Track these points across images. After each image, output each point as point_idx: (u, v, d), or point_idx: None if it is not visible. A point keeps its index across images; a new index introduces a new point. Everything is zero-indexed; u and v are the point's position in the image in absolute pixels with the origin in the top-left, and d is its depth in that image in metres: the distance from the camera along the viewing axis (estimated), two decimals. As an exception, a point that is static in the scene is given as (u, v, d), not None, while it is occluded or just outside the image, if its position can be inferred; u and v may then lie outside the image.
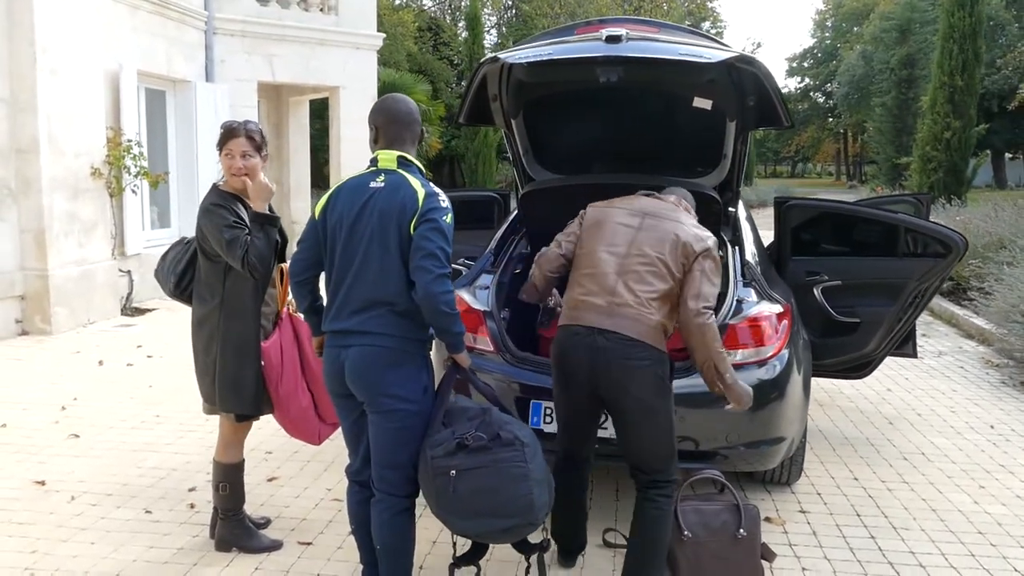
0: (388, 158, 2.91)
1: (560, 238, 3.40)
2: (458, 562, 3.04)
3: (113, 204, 9.00)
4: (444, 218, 2.78)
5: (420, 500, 2.92)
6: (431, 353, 3.02)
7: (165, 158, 10.60)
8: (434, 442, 2.78)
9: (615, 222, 3.25)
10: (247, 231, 3.28)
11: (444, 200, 2.83)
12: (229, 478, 3.53)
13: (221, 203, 3.35)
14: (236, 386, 3.38)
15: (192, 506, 4.01)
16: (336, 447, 4.78)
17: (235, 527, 3.55)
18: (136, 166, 8.98)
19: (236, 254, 3.23)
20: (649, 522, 3.11)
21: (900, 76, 30.90)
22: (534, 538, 3.02)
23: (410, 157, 2.93)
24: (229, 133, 3.40)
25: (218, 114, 10.95)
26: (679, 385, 3.59)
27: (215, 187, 3.47)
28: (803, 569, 3.49)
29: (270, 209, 3.44)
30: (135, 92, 9.57)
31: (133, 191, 9.14)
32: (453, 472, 2.70)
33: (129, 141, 9.00)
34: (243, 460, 3.60)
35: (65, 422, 5.28)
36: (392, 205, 2.79)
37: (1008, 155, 37.08)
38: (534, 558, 3.04)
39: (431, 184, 2.88)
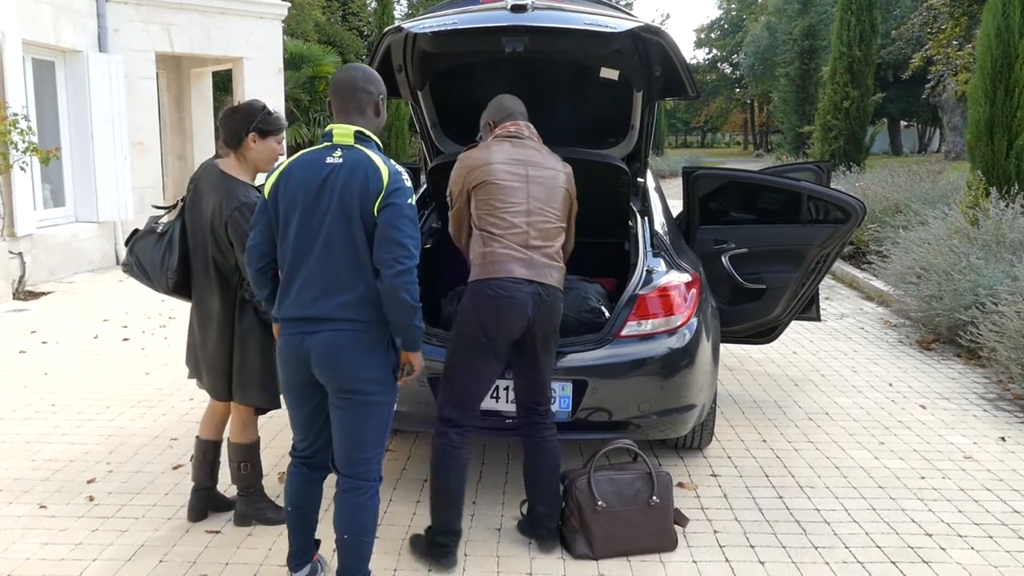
0: (344, 132, 2.75)
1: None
2: None
3: (0, 182, 8.50)
4: (409, 201, 2.68)
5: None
6: None
7: (56, 133, 10.06)
8: None
9: (504, 175, 3.33)
10: None
11: (407, 179, 2.72)
12: (250, 457, 3.55)
13: (249, 202, 3.19)
14: (263, 382, 3.37)
15: (91, 499, 3.83)
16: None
17: (256, 500, 3.58)
18: (24, 142, 8.47)
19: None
20: (552, 449, 3.37)
21: (802, 47, 31.74)
22: None
23: (367, 132, 2.78)
24: (281, 123, 3.37)
25: (113, 86, 10.45)
26: (592, 357, 3.62)
27: (228, 175, 3.28)
28: (715, 532, 3.57)
29: None
30: (20, 63, 9.01)
31: (22, 168, 8.64)
32: None
33: (15, 115, 8.48)
34: (259, 438, 3.60)
35: (-49, 415, 4.98)
36: (353, 183, 2.65)
37: (903, 123, 38.67)
38: None
39: (392, 161, 2.75)
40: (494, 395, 3.66)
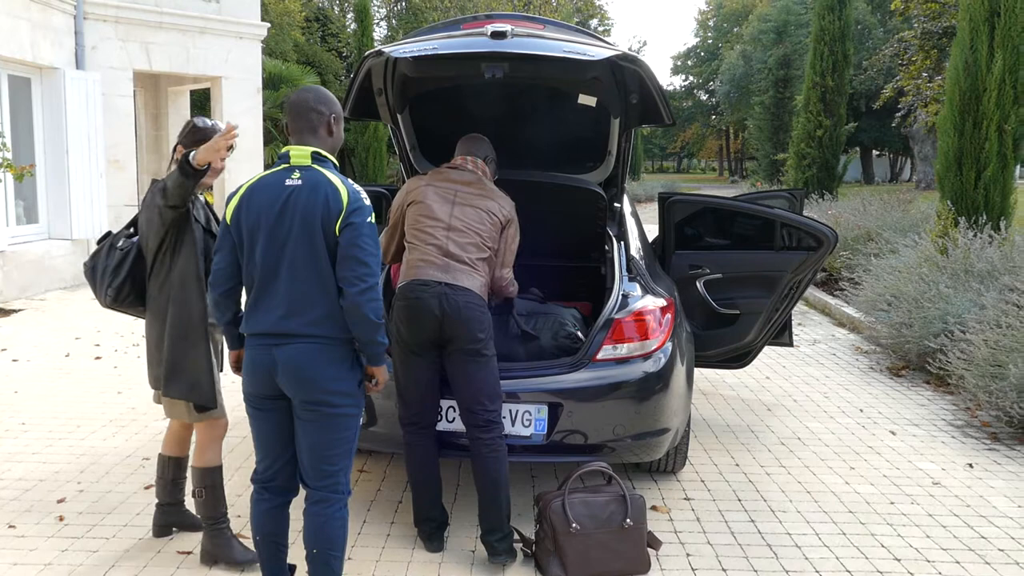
0: (301, 154, 2.80)
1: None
2: None
3: (-28, 198, 8.42)
4: (368, 219, 2.73)
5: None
6: None
7: (31, 150, 10.00)
8: None
9: (433, 196, 3.63)
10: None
11: (366, 197, 2.77)
12: (208, 482, 3.40)
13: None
14: (185, 374, 3.26)
15: (61, 519, 3.79)
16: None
17: (215, 537, 3.38)
18: (-2, 158, 8.41)
19: None
20: (488, 464, 3.39)
21: (777, 76, 32.26)
22: None
23: (323, 152, 2.82)
24: (209, 133, 3.37)
25: (90, 103, 10.41)
26: (568, 381, 3.66)
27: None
28: (688, 555, 3.59)
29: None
30: (-5, 79, 8.97)
31: (-5, 184, 8.58)
32: None
33: (-11, 131, 8.44)
34: (221, 464, 3.47)
35: (-82, 434, 4.90)
36: (314, 204, 2.70)
37: (875, 152, 39.36)
38: None
39: (350, 180, 2.80)
40: (449, 418, 3.69)
